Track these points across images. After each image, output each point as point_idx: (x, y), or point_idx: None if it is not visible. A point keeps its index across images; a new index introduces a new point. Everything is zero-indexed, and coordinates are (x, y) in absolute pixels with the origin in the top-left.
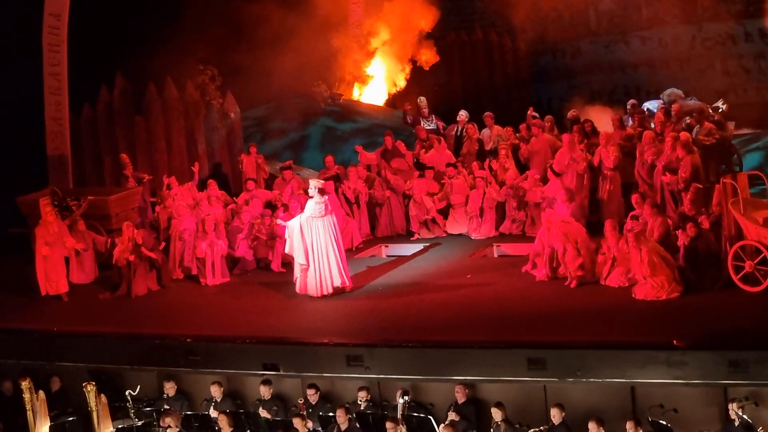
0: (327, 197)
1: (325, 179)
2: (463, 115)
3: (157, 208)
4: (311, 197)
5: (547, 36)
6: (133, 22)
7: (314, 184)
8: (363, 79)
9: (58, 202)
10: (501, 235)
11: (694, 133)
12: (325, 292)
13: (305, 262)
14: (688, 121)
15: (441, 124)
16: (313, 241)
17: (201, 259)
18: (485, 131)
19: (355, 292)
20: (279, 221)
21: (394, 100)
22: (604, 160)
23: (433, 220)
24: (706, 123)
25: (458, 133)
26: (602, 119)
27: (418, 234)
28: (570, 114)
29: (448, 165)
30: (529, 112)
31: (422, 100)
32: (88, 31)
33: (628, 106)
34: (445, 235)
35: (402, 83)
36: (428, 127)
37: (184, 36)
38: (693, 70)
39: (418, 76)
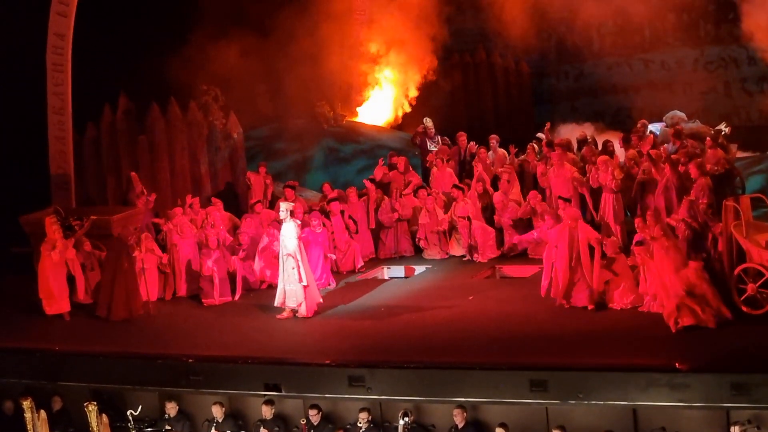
0: (299, 222)
1: (329, 200)
2: (463, 137)
3: (165, 227)
4: (283, 220)
5: (551, 58)
6: (136, 43)
7: (285, 207)
8: (362, 101)
9: (60, 221)
10: (503, 256)
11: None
12: (278, 305)
13: (305, 281)
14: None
15: (445, 146)
16: (284, 261)
17: (205, 278)
18: (489, 154)
19: (358, 312)
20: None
21: (397, 122)
22: (605, 182)
23: (444, 233)
24: (717, 150)
25: (463, 157)
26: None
27: (425, 240)
28: (579, 135)
29: (455, 186)
30: (546, 127)
31: (428, 121)
32: (91, 51)
33: (639, 126)
34: (447, 256)
35: (406, 105)
36: (432, 148)
37: (187, 56)
38: (696, 92)
39: (421, 98)
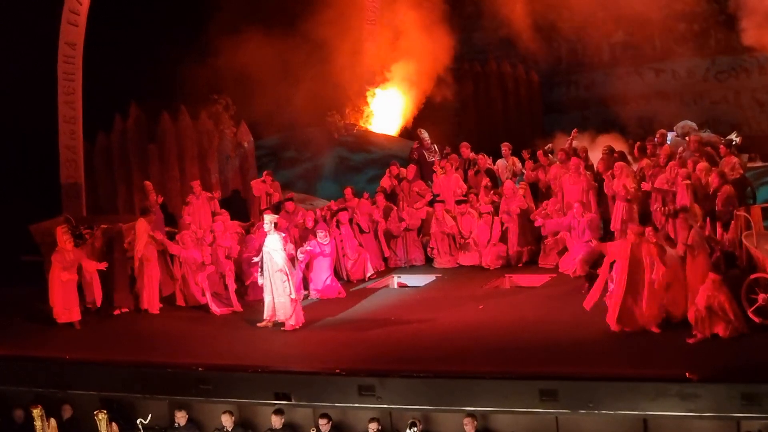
0: (285, 234)
1: (338, 209)
2: (466, 148)
3: (178, 237)
4: (267, 232)
5: (561, 67)
6: (147, 51)
7: (269, 219)
8: (372, 110)
9: (71, 230)
10: (510, 264)
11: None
12: (266, 318)
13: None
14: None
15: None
16: (270, 273)
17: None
18: (500, 162)
19: (368, 321)
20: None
21: (407, 131)
22: (618, 190)
23: (453, 239)
24: (731, 156)
25: (466, 167)
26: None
27: (436, 250)
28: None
29: (458, 202)
30: (573, 133)
31: (423, 132)
32: (102, 60)
33: (657, 136)
34: (456, 266)
35: (415, 114)
36: (432, 159)
37: (197, 65)
38: (706, 102)
39: (431, 107)
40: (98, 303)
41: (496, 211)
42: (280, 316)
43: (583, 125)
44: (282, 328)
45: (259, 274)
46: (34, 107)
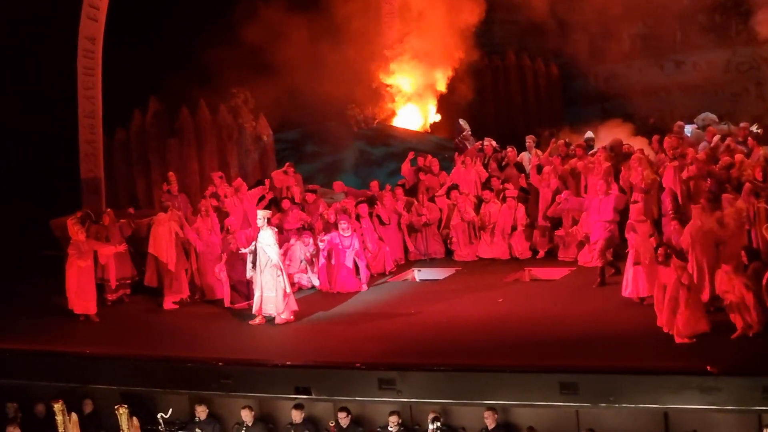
0: (276, 230)
1: (358, 202)
2: (488, 142)
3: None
4: (261, 227)
5: (581, 60)
6: (166, 46)
7: (262, 214)
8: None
9: (89, 224)
10: (534, 257)
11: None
12: (255, 313)
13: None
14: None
15: (473, 149)
16: (262, 269)
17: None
18: (524, 154)
19: (388, 315)
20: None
21: (426, 124)
22: (636, 182)
23: (474, 228)
24: (760, 148)
25: (485, 161)
26: (635, 143)
27: (456, 241)
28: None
29: (484, 188)
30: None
31: (463, 122)
32: (122, 54)
33: (675, 128)
34: (476, 258)
35: (435, 108)
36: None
37: (217, 59)
38: (727, 94)
39: (451, 100)
40: (113, 284)
41: (523, 200)
42: (269, 310)
43: (603, 117)
44: (275, 323)
45: (250, 267)
46: (54, 102)
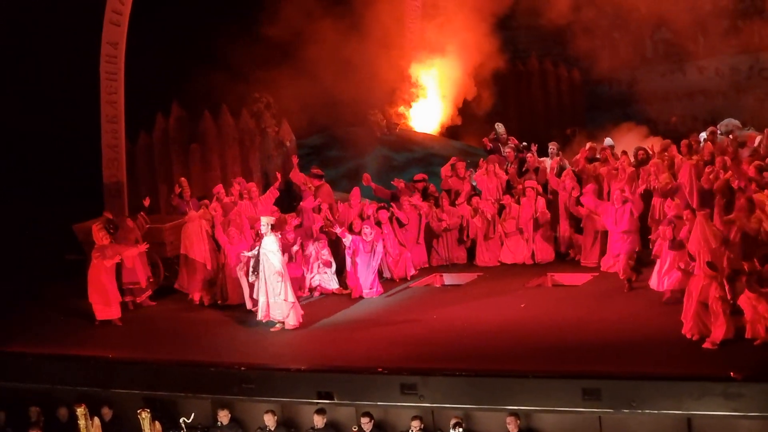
0: (280, 235)
1: (379, 207)
2: (511, 149)
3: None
4: (264, 234)
5: (603, 65)
6: (188, 51)
7: (266, 221)
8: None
9: (113, 230)
10: (557, 260)
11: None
12: (262, 319)
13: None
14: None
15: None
16: (266, 275)
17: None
18: (546, 160)
19: (410, 320)
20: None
21: (449, 130)
22: (656, 185)
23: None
24: None
25: (506, 167)
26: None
27: (478, 246)
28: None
29: (506, 193)
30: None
31: (500, 127)
32: (144, 59)
33: (707, 134)
34: (499, 264)
35: (457, 113)
36: (504, 154)
37: (240, 64)
38: (750, 99)
39: (474, 106)
40: (143, 284)
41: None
42: (276, 316)
43: (623, 122)
44: (285, 328)
45: (251, 272)
46: (77, 107)
